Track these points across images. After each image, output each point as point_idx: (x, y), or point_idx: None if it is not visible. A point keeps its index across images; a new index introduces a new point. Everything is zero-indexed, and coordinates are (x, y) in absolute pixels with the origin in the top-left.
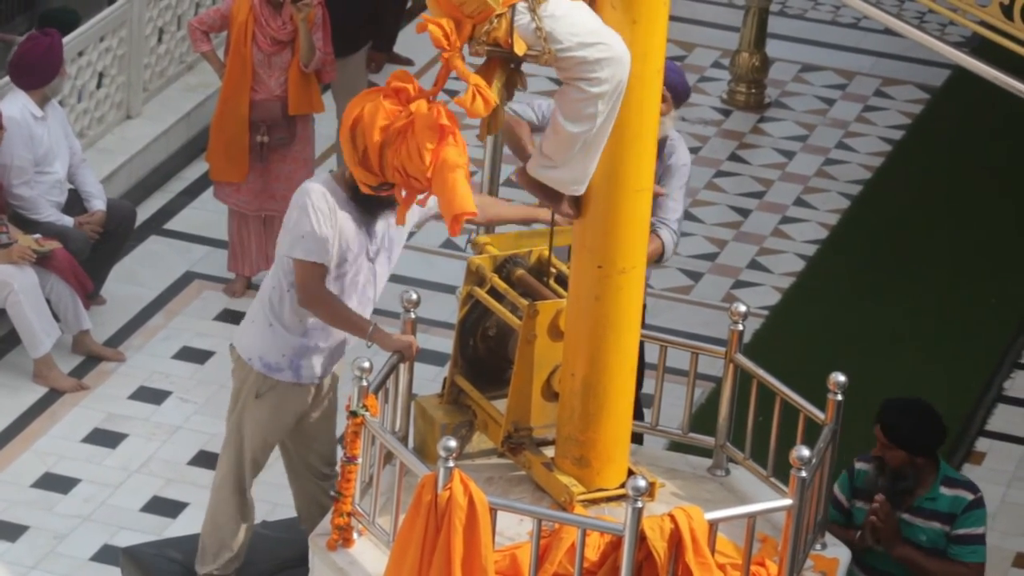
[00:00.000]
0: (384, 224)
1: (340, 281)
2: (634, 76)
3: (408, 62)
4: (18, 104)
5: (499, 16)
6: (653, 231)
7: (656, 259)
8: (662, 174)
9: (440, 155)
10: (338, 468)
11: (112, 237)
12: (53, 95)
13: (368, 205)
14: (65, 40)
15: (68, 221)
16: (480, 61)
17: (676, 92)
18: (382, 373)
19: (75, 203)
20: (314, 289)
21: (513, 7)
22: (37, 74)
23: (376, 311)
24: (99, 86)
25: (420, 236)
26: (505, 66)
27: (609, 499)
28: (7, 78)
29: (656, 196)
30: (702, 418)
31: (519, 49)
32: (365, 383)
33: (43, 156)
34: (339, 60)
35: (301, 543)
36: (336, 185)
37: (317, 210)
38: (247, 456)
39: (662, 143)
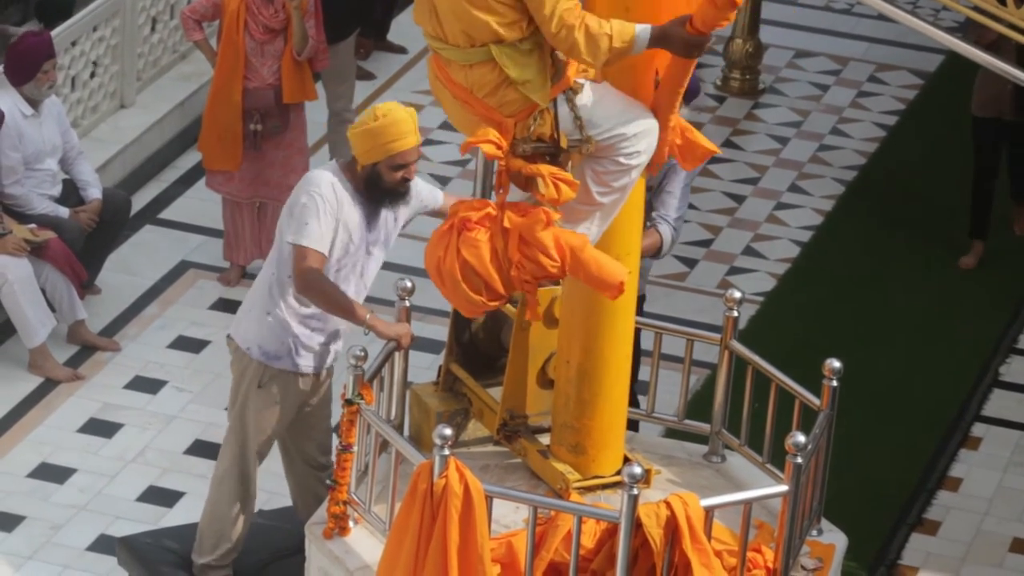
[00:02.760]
0: (385, 214)
1: (340, 271)
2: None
3: (401, 50)
4: (7, 102)
5: (542, 112)
6: (653, 226)
7: (653, 253)
8: (664, 172)
9: (563, 245)
10: (334, 457)
11: (107, 227)
12: (33, 97)
13: (376, 198)
14: (58, 30)
15: (63, 212)
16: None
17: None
18: (377, 361)
19: (70, 193)
20: (312, 276)
21: (554, 100)
22: (14, 72)
23: (371, 299)
24: (92, 75)
25: (414, 224)
26: (544, 160)
27: (605, 486)
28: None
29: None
30: (698, 405)
31: (564, 142)
32: (360, 371)
33: (33, 154)
34: (329, 47)
35: (297, 532)
36: (344, 176)
37: (324, 199)
38: (251, 447)
39: None
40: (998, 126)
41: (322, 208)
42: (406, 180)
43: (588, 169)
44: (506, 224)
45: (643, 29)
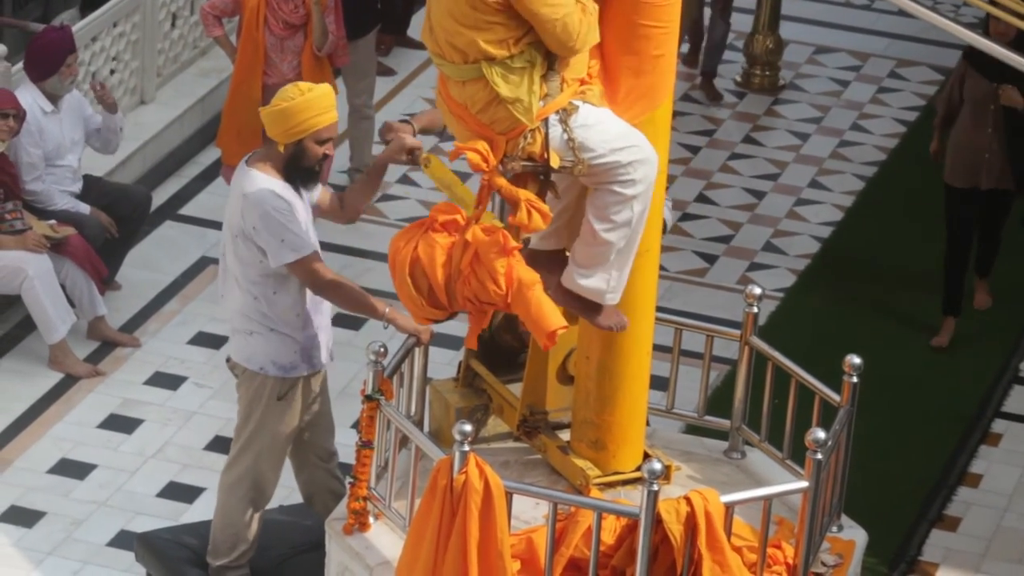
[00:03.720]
0: (303, 196)
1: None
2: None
3: (421, 46)
4: (27, 98)
5: (532, 131)
6: None
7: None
8: None
9: (513, 276)
10: (342, 452)
11: (127, 222)
12: (55, 93)
13: (295, 177)
14: (78, 26)
15: (83, 208)
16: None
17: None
18: (397, 357)
19: (90, 190)
20: (322, 276)
21: (545, 121)
22: (35, 68)
23: (390, 295)
24: (112, 72)
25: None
26: (536, 179)
27: (625, 482)
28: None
29: None
30: (718, 401)
31: (554, 162)
32: (380, 367)
33: (54, 150)
34: (349, 43)
35: (316, 527)
36: (274, 176)
37: (280, 211)
38: (269, 457)
39: None
40: (974, 196)
41: (282, 216)
42: (326, 156)
43: (589, 207)
44: (468, 237)
45: None
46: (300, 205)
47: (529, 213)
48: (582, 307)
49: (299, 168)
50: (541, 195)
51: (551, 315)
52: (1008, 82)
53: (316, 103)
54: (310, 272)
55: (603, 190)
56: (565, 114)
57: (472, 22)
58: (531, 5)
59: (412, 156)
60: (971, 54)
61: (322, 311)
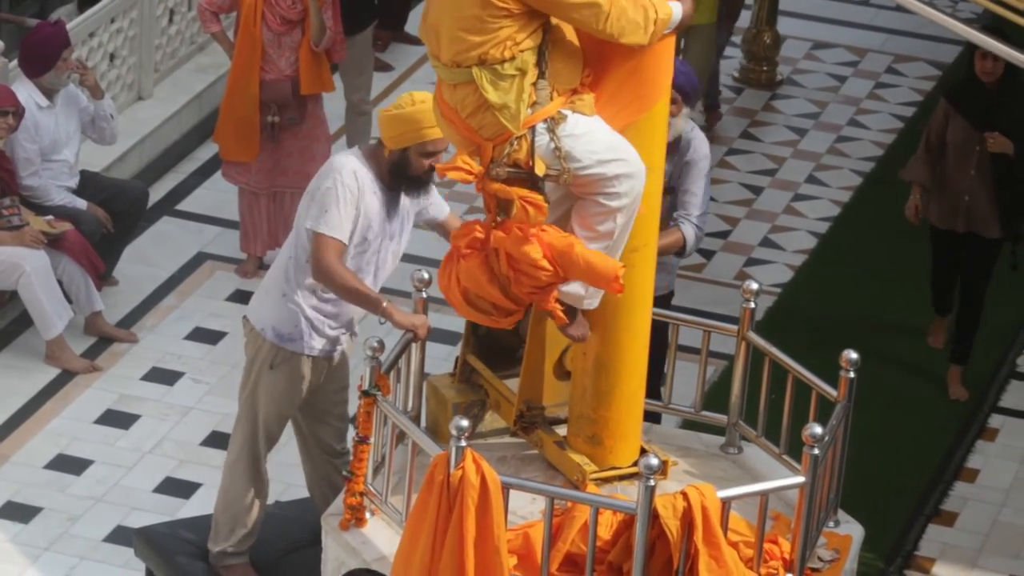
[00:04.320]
0: (404, 204)
1: (359, 258)
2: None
3: (418, 42)
4: (23, 94)
5: (519, 138)
6: (676, 225)
7: (676, 251)
8: (681, 171)
9: (549, 250)
10: (349, 447)
11: (124, 218)
12: (52, 87)
13: (399, 185)
14: (75, 21)
15: (80, 203)
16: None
17: (685, 93)
18: (394, 352)
19: (87, 185)
20: (330, 263)
21: (532, 128)
22: (30, 63)
23: (388, 290)
24: (110, 67)
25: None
26: (524, 186)
27: (622, 477)
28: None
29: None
30: (715, 396)
31: (539, 170)
32: (377, 363)
33: (50, 145)
34: (346, 39)
35: (314, 523)
36: (367, 162)
37: (346, 187)
38: (261, 429)
39: (676, 142)
40: (954, 238)
41: (343, 196)
42: (432, 169)
43: (574, 213)
44: (493, 244)
45: (675, 4)
46: (372, 200)
47: (525, 209)
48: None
49: (403, 176)
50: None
51: (604, 263)
52: (993, 126)
53: (425, 116)
54: (322, 252)
55: (589, 200)
56: (553, 123)
57: (478, 24)
58: None
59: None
60: (953, 96)
61: (343, 306)
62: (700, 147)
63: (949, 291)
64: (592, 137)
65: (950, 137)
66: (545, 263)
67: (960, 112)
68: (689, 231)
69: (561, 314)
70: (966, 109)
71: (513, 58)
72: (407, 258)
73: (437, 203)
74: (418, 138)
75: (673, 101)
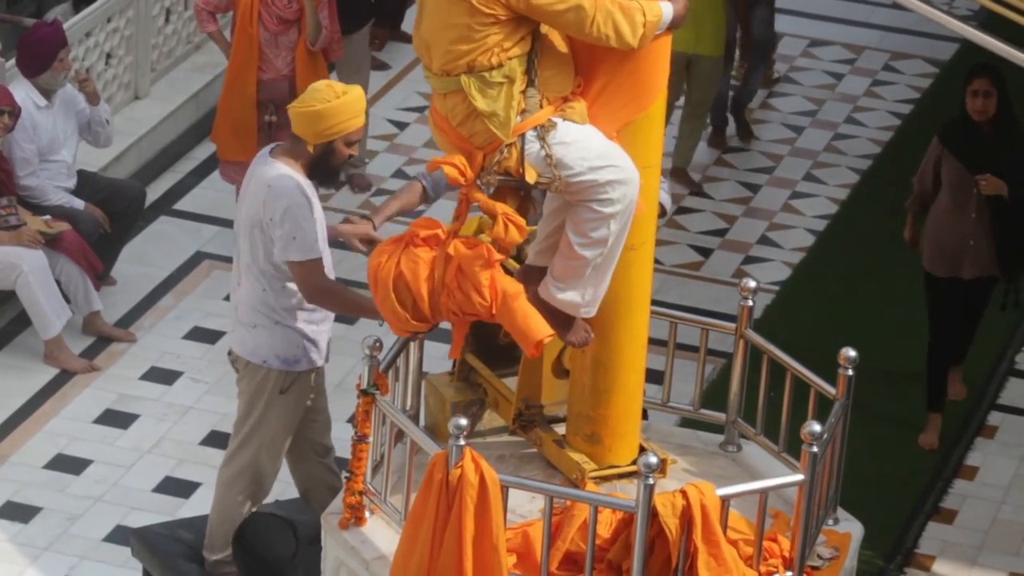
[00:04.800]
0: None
1: (324, 259)
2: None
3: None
4: (21, 93)
5: (509, 146)
6: None
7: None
8: None
9: (498, 288)
10: (339, 447)
11: (122, 218)
12: (48, 87)
13: (320, 176)
14: (71, 21)
15: (78, 203)
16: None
17: None
18: (392, 352)
19: (85, 185)
20: (318, 283)
21: (522, 136)
22: (27, 63)
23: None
24: (107, 67)
25: (431, 214)
26: (515, 194)
27: (621, 476)
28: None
29: None
30: (713, 394)
31: (530, 177)
32: (376, 362)
33: (48, 145)
34: (343, 38)
35: (313, 523)
36: (296, 168)
37: (301, 207)
38: (270, 451)
39: None
40: (957, 286)
41: (302, 215)
42: (351, 157)
43: (568, 220)
44: (450, 251)
45: (665, 5)
46: (317, 204)
47: (506, 227)
48: (553, 319)
49: (326, 167)
50: (521, 211)
51: (537, 325)
52: (987, 166)
53: (351, 106)
54: (308, 277)
55: (582, 206)
56: (543, 130)
57: (466, 33)
58: (534, 1)
59: (370, 247)
60: (946, 136)
61: (324, 310)
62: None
63: (955, 344)
64: (583, 144)
65: (945, 179)
66: (487, 294)
67: (953, 153)
68: (663, 196)
69: (458, 349)
70: (959, 150)
71: (501, 65)
72: None
73: None
74: (345, 129)
75: None
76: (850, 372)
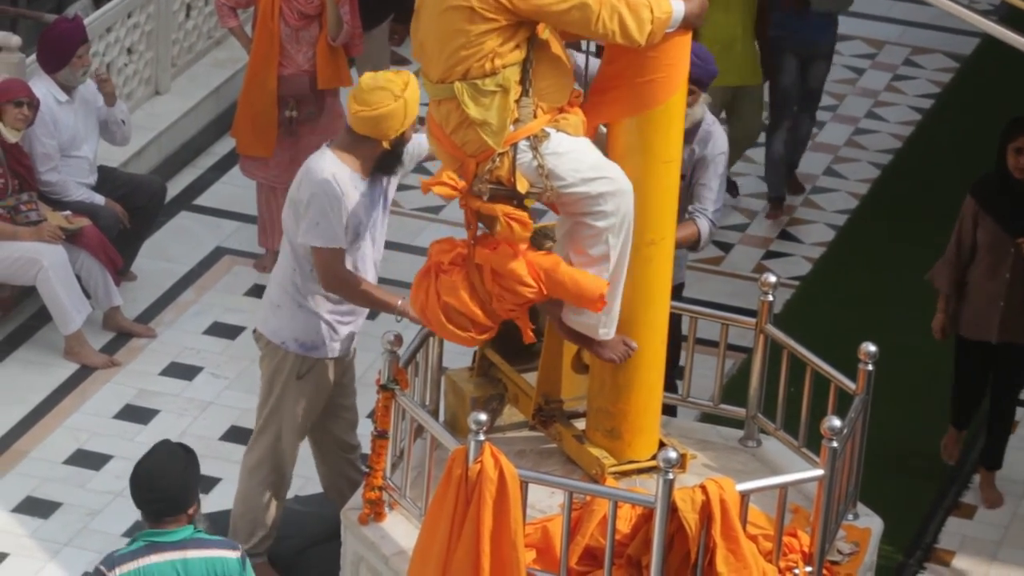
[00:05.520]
0: (383, 182)
1: (356, 254)
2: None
3: None
4: (41, 89)
5: (501, 155)
6: (691, 218)
7: (690, 244)
8: (697, 164)
9: (535, 268)
10: (360, 440)
11: (142, 213)
12: (68, 84)
13: (387, 168)
14: (92, 17)
15: (99, 199)
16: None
17: (701, 82)
18: (412, 347)
19: (105, 181)
20: (336, 272)
21: (515, 146)
22: (47, 59)
23: (404, 284)
24: (127, 64)
25: (448, 209)
26: (508, 203)
27: (640, 471)
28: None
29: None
30: (733, 389)
31: (521, 187)
32: (395, 357)
33: (69, 141)
34: (363, 33)
35: (333, 517)
36: (343, 161)
37: (328, 195)
38: (289, 437)
39: (695, 129)
40: (984, 350)
41: (328, 204)
42: (407, 141)
43: (567, 240)
44: (477, 261)
45: (676, 2)
46: (356, 197)
47: (509, 226)
48: (579, 340)
49: (393, 158)
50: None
51: (589, 283)
52: None
53: (415, 96)
54: (327, 264)
55: (578, 223)
56: (536, 140)
57: (462, 41)
58: (539, 1)
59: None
60: (982, 195)
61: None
62: (719, 143)
63: (976, 405)
64: (576, 156)
65: (980, 238)
66: (530, 280)
67: (989, 213)
68: (704, 225)
69: (530, 332)
70: (995, 210)
71: (495, 73)
72: (422, 252)
73: (416, 148)
74: (414, 116)
75: (689, 92)
76: (870, 367)
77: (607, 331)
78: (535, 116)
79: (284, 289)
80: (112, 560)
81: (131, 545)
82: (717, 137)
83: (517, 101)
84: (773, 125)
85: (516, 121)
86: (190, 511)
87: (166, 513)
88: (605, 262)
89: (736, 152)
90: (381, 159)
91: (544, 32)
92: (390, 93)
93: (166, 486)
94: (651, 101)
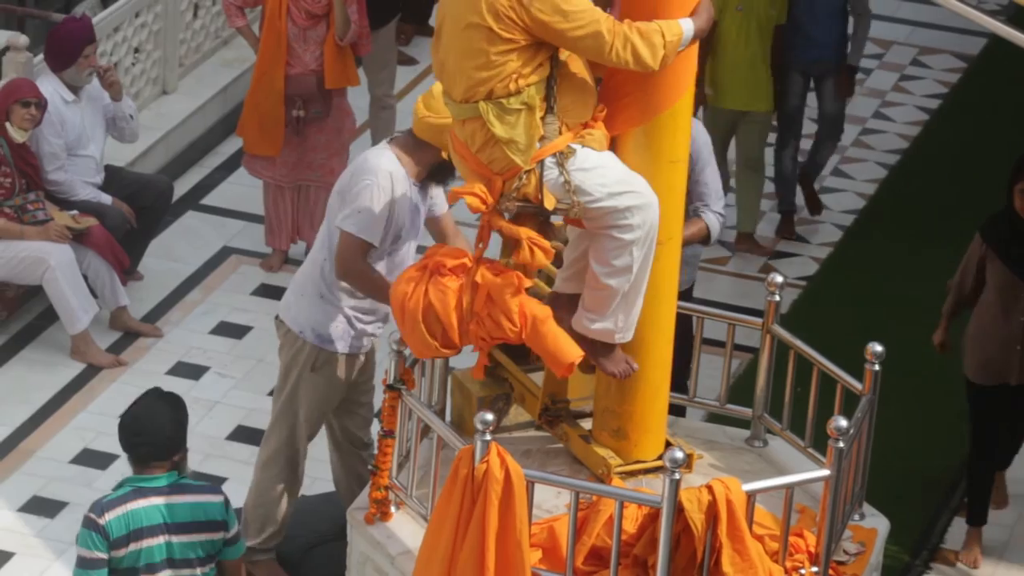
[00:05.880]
0: (429, 189)
1: (394, 257)
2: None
3: None
4: (48, 89)
5: (528, 172)
6: (697, 215)
7: (701, 240)
8: (693, 165)
9: (527, 312)
10: (374, 437)
11: (149, 212)
12: (74, 83)
13: (443, 177)
14: (100, 16)
15: (105, 199)
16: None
17: None
18: None
19: (112, 180)
20: (352, 262)
21: (541, 162)
22: (53, 57)
23: None
24: (134, 62)
25: (454, 209)
26: (535, 219)
27: (647, 471)
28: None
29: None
30: (740, 389)
31: (549, 204)
32: (402, 357)
33: (76, 140)
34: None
35: (340, 517)
36: (403, 162)
37: (381, 189)
38: (302, 430)
39: None
40: (1001, 393)
41: (377, 197)
42: None
43: (590, 250)
44: (478, 279)
45: (685, 22)
46: (408, 201)
47: (531, 251)
48: (591, 350)
49: (446, 170)
50: (541, 235)
51: (567, 347)
52: None
53: None
54: (348, 251)
55: (603, 235)
56: (562, 157)
57: (484, 59)
58: (554, 27)
59: None
60: (991, 235)
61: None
62: (698, 136)
63: (992, 471)
64: (602, 171)
65: (990, 279)
66: (517, 319)
67: (999, 255)
68: (712, 220)
69: (483, 369)
70: (1005, 252)
71: (519, 92)
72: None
73: (440, 198)
74: None
75: None
76: (876, 367)
77: (624, 336)
78: (560, 133)
79: (311, 277)
80: (100, 507)
81: (117, 491)
82: (695, 130)
83: (542, 118)
84: (780, 143)
85: (542, 138)
86: (175, 458)
87: (152, 458)
88: (628, 273)
89: (745, 177)
90: (437, 167)
91: (565, 51)
92: None
93: (154, 431)
94: (661, 106)
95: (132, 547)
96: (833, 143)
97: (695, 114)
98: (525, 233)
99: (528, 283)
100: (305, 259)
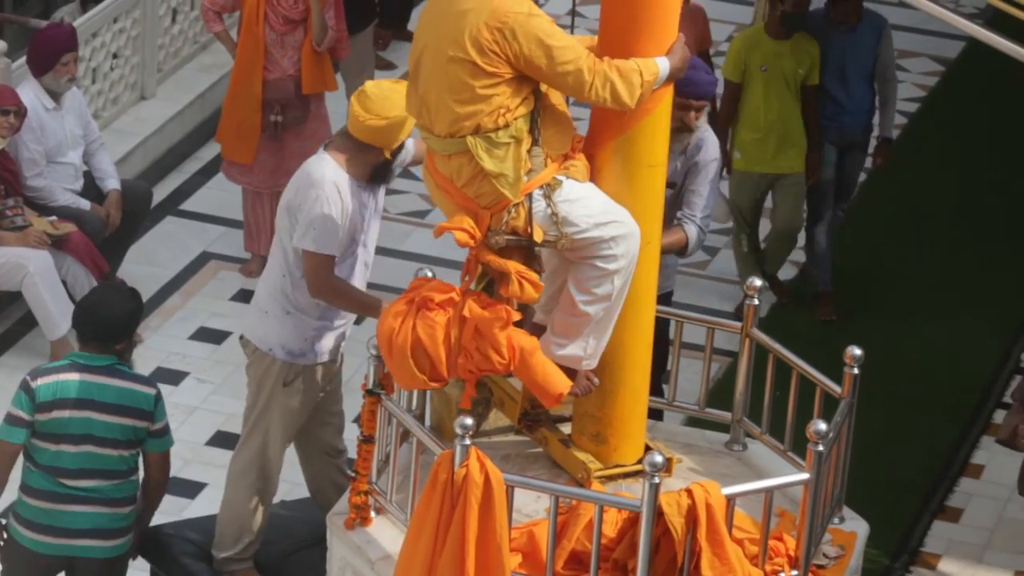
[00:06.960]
0: (376, 189)
1: (351, 259)
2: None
3: None
4: (29, 95)
5: (517, 205)
6: (679, 224)
7: (678, 250)
8: (688, 170)
9: (515, 345)
10: (347, 444)
11: (128, 218)
12: (53, 90)
13: (386, 176)
14: (79, 21)
15: (84, 204)
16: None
17: (707, 98)
18: None
19: (91, 186)
20: (324, 278)
21: (529, 195)
22: (32, 62)
23: (390, 289)
24: (113, 68)
25: (435, 214)
26: (522, 252)
27: (626, 475)
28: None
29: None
30: (719, 393)
31: (538, 237)
32: (381, 361)
33: (55, 147)
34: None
35: (319, 522)
36: (344, 167)
37: (329, 201)
38: (275, 444)
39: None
40: None
41: (327, 210)
42: (403, 151)
43: (571, 278)
44: (466, 313)
45: (661, 60)
46: (352, 206)
47: (520, 284)
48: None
49: (389, 170)
50: (528, 267)
51: (556, 379)
52: None
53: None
54: (317, 270)
55: (585, 264)
56: (549, 189)
57: (468, 95)
58: (535, 62)
59: None
60: None
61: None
62: (711, 150)
63: None
64: (587, 202)
65: None
66: (505, 353)
67: None
68: (692, 231)
69: (469, 399)
70: None
71: (507, 126)
72: (411, 257)
73: (406, 153)
74: (411, 129)
75: (695, 108)
76: (856, 371)
77: (591, 362)
78: (545, 165)
79: (272, 296)
80: (37, 372)
81: (58, 362)
82: (709, 144)
83: (529, 151)
84: (815, 217)
85: (529, 171)
86: (118, 347)
87: (95, 338)
88: (607, 301)
89: (779, 243)
90: (379, 168)
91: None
92: (397, 103)
93: (104, 314)
94: (638, 116)
95: (56, 414)
96: (841, 208)
97: (721, 177)
98: (514, 267)
99: (516, 316)
100: (260, 278)
